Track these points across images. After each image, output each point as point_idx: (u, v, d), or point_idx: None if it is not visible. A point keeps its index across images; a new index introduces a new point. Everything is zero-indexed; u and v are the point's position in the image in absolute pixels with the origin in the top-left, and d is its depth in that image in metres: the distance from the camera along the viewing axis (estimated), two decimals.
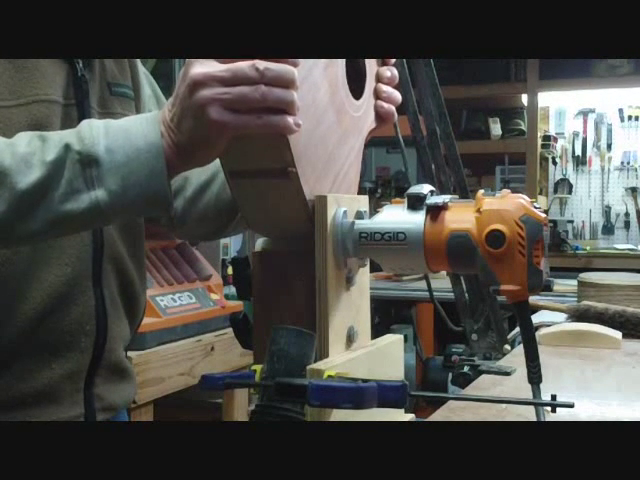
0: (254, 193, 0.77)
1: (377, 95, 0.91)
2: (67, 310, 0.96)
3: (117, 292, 1.04)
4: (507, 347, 1.40)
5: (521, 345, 0.75)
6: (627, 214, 5.17)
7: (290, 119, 0.70)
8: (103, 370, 1.03)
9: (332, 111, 0.82)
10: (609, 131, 5.21)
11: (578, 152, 5.28)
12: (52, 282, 0.94)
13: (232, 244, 2.82)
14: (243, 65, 0.69)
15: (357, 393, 0.67)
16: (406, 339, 3.20)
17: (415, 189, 0.77)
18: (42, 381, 0.95)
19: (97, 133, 0.76)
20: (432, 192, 0.77)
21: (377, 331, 0.89)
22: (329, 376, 0.71)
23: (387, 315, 3.50)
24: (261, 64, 0.69)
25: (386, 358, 0.87)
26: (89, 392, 1.01)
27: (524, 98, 4.99)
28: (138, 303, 1.10)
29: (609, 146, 5.21)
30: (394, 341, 0.89)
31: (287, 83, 0.69)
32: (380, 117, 0.92)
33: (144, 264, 1.12)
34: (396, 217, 0.77)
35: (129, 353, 1.17)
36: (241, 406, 2.27)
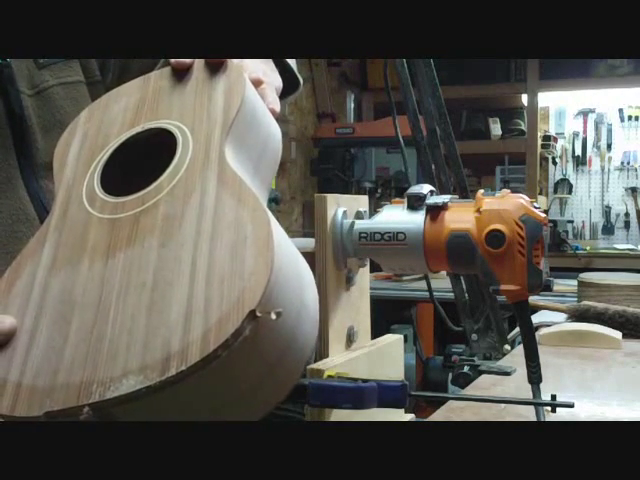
0: None
1: None
2: None
3: None
4: (507, 347, 1.39)
5: (521, 345, 0.75)
6: (627, 214, 5.17)
7: None
8: None
9: None
10: (609, 131, 5.21)
11: (578, 152, 5.29)
12: None
13: None
14: None
15: (357, 393, 0.67)
16: (406, 339, 3.20)
17: (415, 189, 0.77)
18: None
19: None
20: (432, 192, 0.77)
21: (377, 331, 0.89)
22: (329, 376, 0.71)
23: (387, 315, 3.49)
24: None
25: (386, 358, 0.87)
26: None
27: (524, 98, 4.99)
28: None
29: (609, 146, 5.22)
30: (394, 341, 0.89)
31: None
32: None
33: None
34: (396, 217, 0.77)
35: None
36: None
